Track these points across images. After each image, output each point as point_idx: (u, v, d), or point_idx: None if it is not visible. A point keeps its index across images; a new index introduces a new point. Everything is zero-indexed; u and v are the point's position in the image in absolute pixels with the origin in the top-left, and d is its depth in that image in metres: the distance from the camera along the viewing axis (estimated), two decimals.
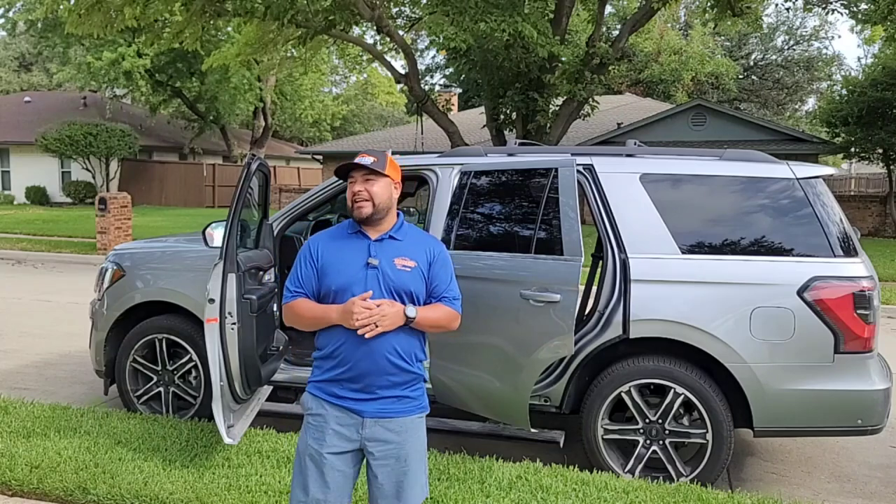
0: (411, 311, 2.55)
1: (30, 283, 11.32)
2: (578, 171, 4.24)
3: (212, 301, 3.84)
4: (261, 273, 4.41)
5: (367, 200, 2.60)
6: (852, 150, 20.07)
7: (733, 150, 4.35)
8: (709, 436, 3.99)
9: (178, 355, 4.88)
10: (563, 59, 15.42)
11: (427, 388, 4.33)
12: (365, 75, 43.42)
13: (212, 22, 15.91)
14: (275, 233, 4.83)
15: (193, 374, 4.86)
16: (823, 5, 19.44)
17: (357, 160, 2.63)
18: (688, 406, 4.08)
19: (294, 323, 2.68)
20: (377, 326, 2.48)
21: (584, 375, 4.27)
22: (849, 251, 3.99)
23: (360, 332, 2.48)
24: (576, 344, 4.04)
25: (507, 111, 17.10)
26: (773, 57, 42.51)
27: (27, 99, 33.80)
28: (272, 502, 3.63)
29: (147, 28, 16.67)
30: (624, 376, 4.10)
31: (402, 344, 2.58)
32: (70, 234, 17.01)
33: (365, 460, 2.63)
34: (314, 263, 2.65)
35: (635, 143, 4.66)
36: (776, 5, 31.47)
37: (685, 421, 4.13)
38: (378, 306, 2.49)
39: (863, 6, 16.67)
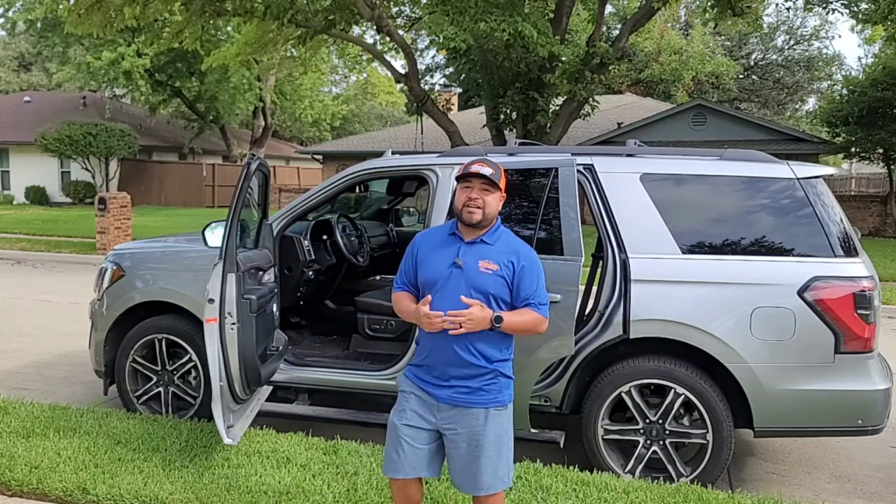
0: (499, 317, 2.73)
1: (29, 283, 11.31)
2: (579, 171, 4.24)
3: (211, 301, 3.84)
4: (260, 273, 4.40)
5: (479, 208, 2.80)
6: (853, 149, 20.07)
7: (734, 150, 4.35)
8: (709, 436, 3.98)
9: (177, 355, 4.88)
10: (563, 58, 15.42)
11: None
12: (365, 75, 43.43)
13: (211, 22, 15.92)
14: (274, 233, 4.83)
15: (193, 374, 4.85)
16: (824, 5, 19.44)
17: (477, 169, 2.80)
18: (688, 406, 4.07)
19: (397, 312, 3.00)
20: (461, 327, 2.69)
21: (585, 376, 4.26)
22: (849, 251, 3.99)
23: (451, 331, 2.70)
24: (576, 344, 4.04)
25: (507, 111, 17.10)
26: (774, 57, 42.50)
27: (27, 99, 33.78)
28: (272, 502, 3.63)
29: (147, 28, 16.67)
30: (624, 376, 4.09)
31: (476, 341, 2.78)
32: (70, 234, 17.00)
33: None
34: (412, 257, 2.96)
35: (635, 143, 4.66)
36: (776, 5, 31.44)
37: (685, 421, 4.12)
38: (469, 308, 2.69)
39: (863, 6, 16.67)
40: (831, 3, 18.03)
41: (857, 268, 3.93)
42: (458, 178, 2.87)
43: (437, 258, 2.87)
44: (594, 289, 4.64)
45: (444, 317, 2.69)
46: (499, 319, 2.72)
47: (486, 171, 2.80)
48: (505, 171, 4.32)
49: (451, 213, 3.02)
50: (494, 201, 2.84)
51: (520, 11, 13.64)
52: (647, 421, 4.08)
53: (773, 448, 4.97)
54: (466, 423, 2.82)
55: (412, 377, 2.93)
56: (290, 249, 5.20)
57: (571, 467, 4.11)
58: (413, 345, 2.99)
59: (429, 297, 2.75)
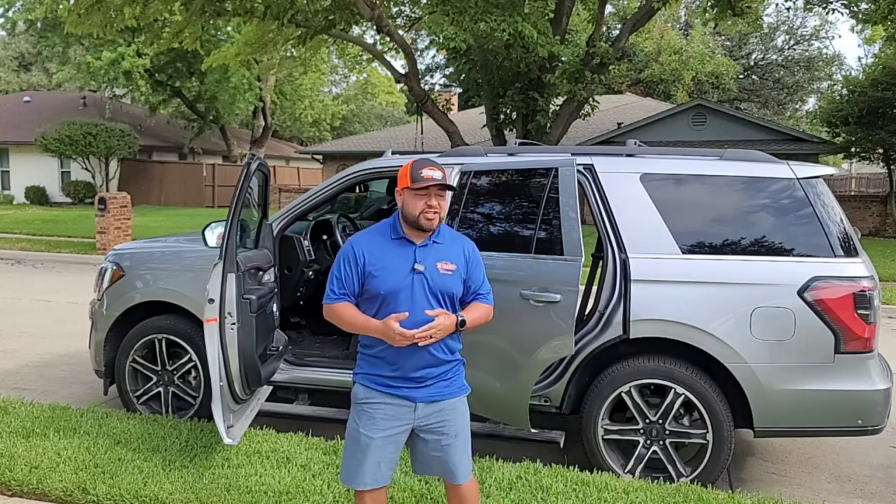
0: (463, 321, 2.77)
1: (29, 283, 11.31)
2: (579, 171, 4.24)
3: (211, 301, 3.84)
4: (260, 273, 4.41)
5: (436, 213, 2.76)
6: (853, 149, 20.07)
7: (734, 150, 4.34)
8: (709, 436, 3.98)
9: (177, 355, 4.88)
10: (563, 58, 15.42)
11: None
12: (365, 75, 43.40)
13: (211, 22, 15.92)
14: (274, 233, 4.83)
15: (193, 374, 4.85)
16: (824, 5, 19.45)
17: (431, 174, 2.73)
18: (688, 406, 4.07)
19: (334, 322, 2.85)
20: (432, 337, 2.69)
21: (585, 376, 4.26)
22: (849, 251, 3.99)
23: (420, 343, 2.69)
24: (576, 344, 4.04)
25: (507, 111, 17.10)
26: (774, 57, 42.50)
27: (27, 99, 33.79)
28: (272, 502, 3.63)
29: (147, 28, 16.66)
30: (624, 376, 4.09)
31: (447, 339, 2.81)
32: (70, 234, 17.00)
33: (412, 441, 2.89)
34: (357, 266, 2.78)
35: (635, 143, 4.65)
36: (776, 5, 31.43)
37: (685, 421, 4.12)
38: (435, 318, 2.69)
39: (863, 6, 16.67)
40: (831, 3, 18.04)
41: (857, 268, 3.93)
42: (412, 186, 2.73)
43: (392, 266, 2.76)
44: (594, 289, 4.64)
45: (415, 333, 2.65)
46: (463, 323, 2.77)
47: (439, 174, 2.75)
48: (505, 171, 4.37)
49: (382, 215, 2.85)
50: (446, 204, 2.87)
51: (520, 11, 13.64)
52: (647, 421, 4.08)
53: (773, 448, 4.97)
54: (443, 416, 2.85)
55: (379, 387, 2.80)
56: (290, 249, 5.20)
57: (571, 467, 4.11)
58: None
59: (405, 314, 2.67)
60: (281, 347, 4.58)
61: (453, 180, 4.46)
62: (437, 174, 2.74)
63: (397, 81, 17.23)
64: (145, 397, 4.93)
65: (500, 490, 3.78)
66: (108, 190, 26.84)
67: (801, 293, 3.87)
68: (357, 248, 2.81)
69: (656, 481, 3.97)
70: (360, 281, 2.79)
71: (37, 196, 27.79)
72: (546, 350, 3.90)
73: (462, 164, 4.49)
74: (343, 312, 2.80)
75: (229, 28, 24.53)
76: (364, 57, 23.25)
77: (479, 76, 17.14)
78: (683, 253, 4.06)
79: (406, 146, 23.40)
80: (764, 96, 41.86)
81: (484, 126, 18.79)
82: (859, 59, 57.50)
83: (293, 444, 4.31)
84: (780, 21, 40.54)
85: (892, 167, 19.65)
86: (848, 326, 3.84)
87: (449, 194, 2.83)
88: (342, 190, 4.91)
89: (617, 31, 25.24)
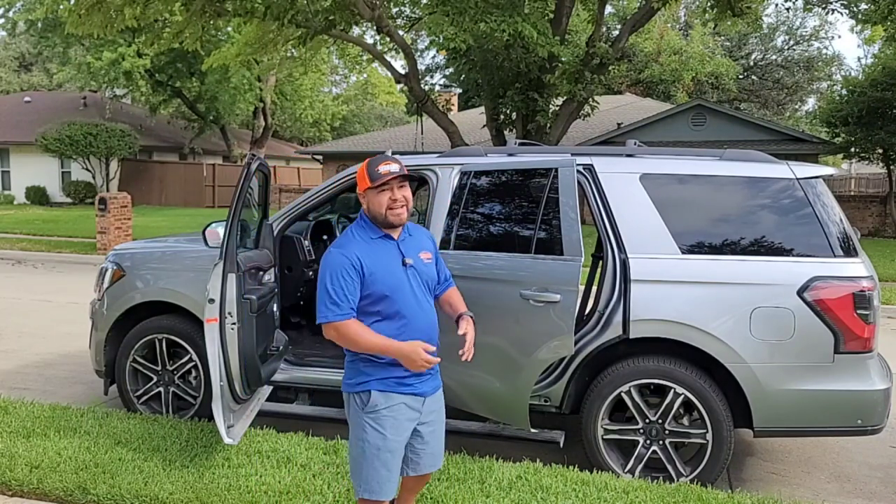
0: (470, 315, 2.99)
1: (30, 283, 11.32)
2: (578, 171, 4.24)
3: (212, 301, 3.84)
4: (261, 273, 4.41)
5: (404, 206, 2.79)
6: (852, 150, 20.07)
7: (733, 150, 4.35)
8: (709, 436, 3.98)
9: (178, 355, 4.89)
10: (563, 59, 15.44)
11: None
12: (365, 75, 43.38)
13: (212, 22, 15.91)
14: (275, 233, 4.83)
15: (193, 374, 4.86)
16: (823, 5, 19.48)
17: (388, 169, 2.74)
18: (688, 406, 4.08)
19: (342, 343, 2.76)
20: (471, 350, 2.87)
21: (584, 375, 4.27)
22: (849, 251, 3.99)
23: (468, 359, 2.85)
24: (576, 344, 4.04)
25: (507, 111, 17.11)
26: (773, 57, 42.50)
27: (27, 99, 33.79)
28: (272, 502, 3.63)
29: (147, 28, 16.69)
30: (624, 376, 4.09)
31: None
32: (70, 234, 17.02)
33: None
34: (356, 272, 2.71)
35: (635, 143, 4.66)
36: (776, 5, 31.56)
37: (685, 421, 4.12)
38: (467, 332, 2.89)
39: (863, 6, 16.69)
40: (831, 3, 18.06)
41: (857, 268, 3.93)
42: (373, 185, 2.75)
43: (387, 264, 2.77)
44: (594, 289, 4.64)
45: (463, 352, 2.83)
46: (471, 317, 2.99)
47: (396, 167, 2.76)
48: (505, 171, 4.38)
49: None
50: (410, 194, 2.86)
51: (520, 12, 13.65)
52: (647, 421, 4.09)
53: (773, 448, 4.98)
54: (439, 404, 2.97)
55: (397, 388, 2.78)
56: (290, 249, 5.21)
57: (571, 467, 4.11)
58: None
59: (432, 347, 2.73)
60: (281, 347, 4.59)
61: (453, 180, 4.48)
62: (394, 167, 2.76)
63: (397, 82, 17.22)
64: (146, 397, 4.94)
65: (500, 490, 3.79)
66: (108, 190, 26.84)
67: (800, 293, 3.87)
68: (350, 255, 2.72)
69: (656, 481, 3.97)
70: (362, 288, 2.72)
71: (37, 196, 27.80)
72: (546, 350, 3.90)
73: (462, 164, 4.50)
74: (356, 331, 2.70)
75: (229, 28, 24.48)
76: (364, 57, 23.25)
77: (479, 76, 17.15)
78: (683, 253, 4.06)
79: (406, 146, 23.40)
80: (764, 97, 41.85)
81: (484, 126, 18.79)
82: (859, 59, 57.58)
83: (293, 444, 4.31)
84: (780, 21, 40.58)
85: (891, 167, 19.65)
86: (847, 326, 3.84)
87: (408, 184, 2.86)
88: (342, 190, 4.91)
89: (617, 32, 25.24)
